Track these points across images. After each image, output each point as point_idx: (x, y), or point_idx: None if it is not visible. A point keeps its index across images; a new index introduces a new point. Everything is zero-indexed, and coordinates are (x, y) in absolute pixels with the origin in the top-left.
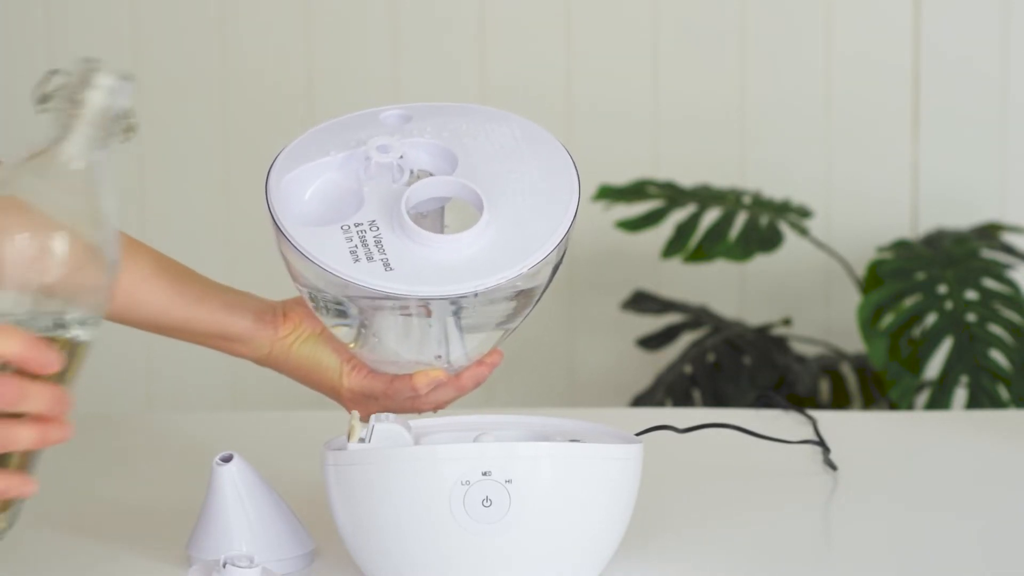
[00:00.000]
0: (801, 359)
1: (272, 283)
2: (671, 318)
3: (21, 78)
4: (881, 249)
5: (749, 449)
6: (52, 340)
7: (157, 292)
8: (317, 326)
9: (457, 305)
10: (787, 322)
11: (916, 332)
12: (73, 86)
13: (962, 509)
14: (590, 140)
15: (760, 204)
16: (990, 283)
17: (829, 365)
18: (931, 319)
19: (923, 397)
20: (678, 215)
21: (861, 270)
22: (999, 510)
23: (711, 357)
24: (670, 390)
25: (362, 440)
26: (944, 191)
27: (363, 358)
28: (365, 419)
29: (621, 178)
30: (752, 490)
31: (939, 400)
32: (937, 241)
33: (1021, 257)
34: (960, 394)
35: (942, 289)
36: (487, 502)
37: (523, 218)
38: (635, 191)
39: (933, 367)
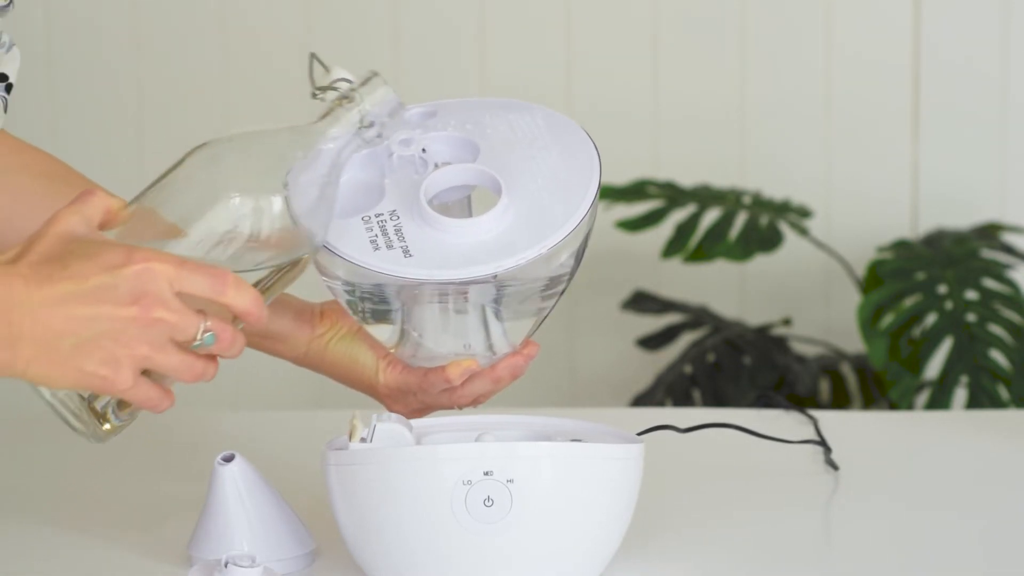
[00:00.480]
0: (801, 359)
1: None
2: (671, 318)
3: (21, 78)
4: (881, 249)
5: (750, 449)
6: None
7: None
8: (353, 324)
9: (499, 292)
10: (787, 322)
11: (916, 332)
12: (353, 87)
13: (962, 509)
14: None
15: (760, 204)
16: (990, 283)
17: (829, 365)
18: (931, 319)
19: (923, 397)
20: (678, 215)
21: (861, 270)
22: (999, 510)
23: (711, 357)
24: (670, 390)
25: (363, 440)
26: (944, 191)
27: (398, 354)
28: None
29: (621, 178)
30: (753, 490)
31: (939, 400)
32: (937, 241)
33: (1021, 257)
34: (960, 394)
35: (942, 289)
36: (488, 502)
37: (542, 202)
38: (635, 191)
39: (933, 367)
